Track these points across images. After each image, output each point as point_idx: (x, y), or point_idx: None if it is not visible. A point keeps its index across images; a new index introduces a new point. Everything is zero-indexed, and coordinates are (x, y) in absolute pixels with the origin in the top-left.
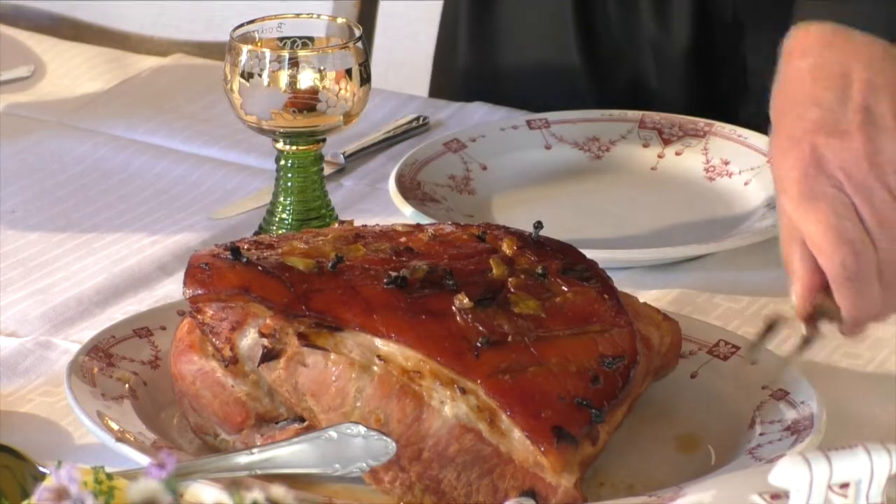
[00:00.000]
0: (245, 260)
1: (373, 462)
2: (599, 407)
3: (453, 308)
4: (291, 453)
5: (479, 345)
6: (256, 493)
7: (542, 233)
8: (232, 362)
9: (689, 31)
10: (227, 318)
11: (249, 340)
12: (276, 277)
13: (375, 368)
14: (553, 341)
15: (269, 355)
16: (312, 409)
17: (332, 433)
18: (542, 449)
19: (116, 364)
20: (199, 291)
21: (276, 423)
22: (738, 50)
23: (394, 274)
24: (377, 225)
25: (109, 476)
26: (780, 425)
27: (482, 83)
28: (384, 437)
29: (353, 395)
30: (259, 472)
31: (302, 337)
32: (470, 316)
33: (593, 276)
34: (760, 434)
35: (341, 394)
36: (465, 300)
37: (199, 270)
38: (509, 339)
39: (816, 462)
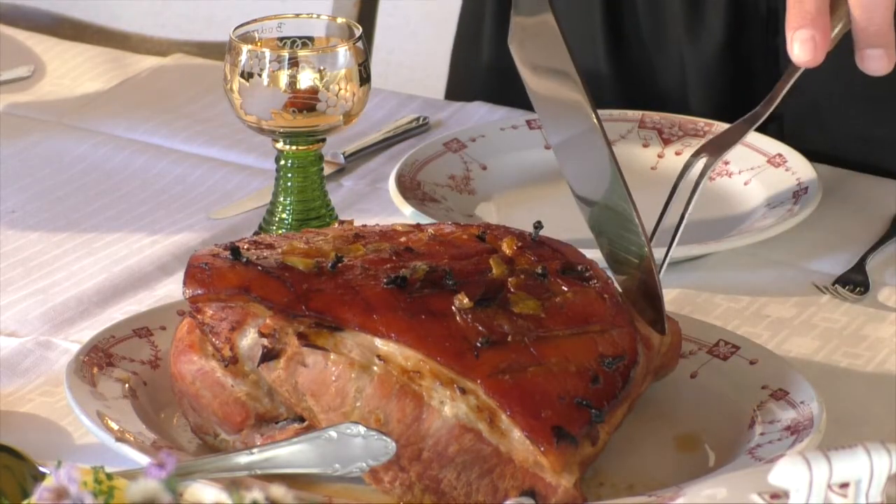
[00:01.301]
0: (245, 260)
1: (373, 462)
2: (599, 407)
3: (453, 308)
4: (291, 453)
5: (478, 345)
6: (256, 493)
7: (542, 233)
8: (232, 362)
9: (721, 29)
10: (227, 318)
11: (249, 340)
12: (275, 277)
13: (375, 368)
14: (553, 341)
15: (269, 355)
16: (312, 409)
17: (332, 433)
18: (542, 449)
19: (116, 364)
20: (199, 291)
21: (276, 423)
22: (773, 46)
23: (394, 274)
24: (377, 225)
25: (109, 476)
26: (780, 425)
27: (506, 84)
28: (384, 437)
29: (352, 395)
30: (259, 472)
31: (302, 337)
32: (470, 316)
33: (593, 276)
34: (760, 434)
35: (341, 394)
36: (465, 300)
37: (198, 270)
38: (509, 339)
39: (816, 462)
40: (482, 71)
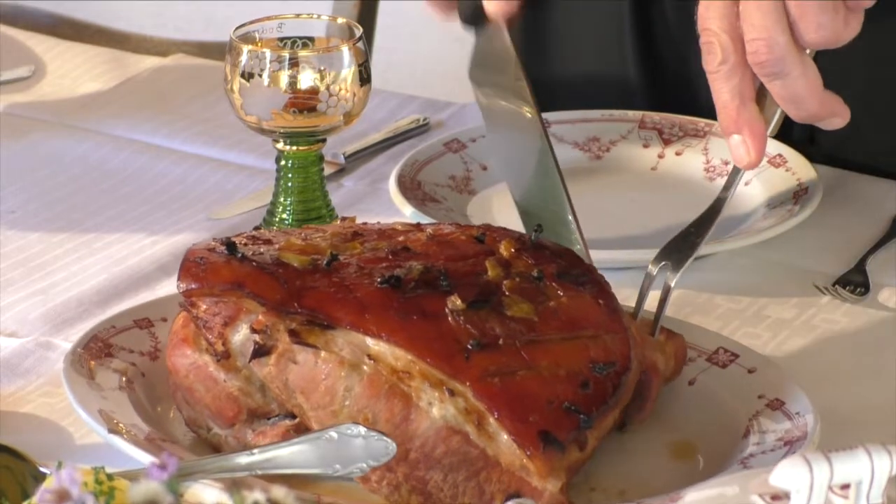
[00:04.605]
0: (240, 255)
1: (373, 462)
2: (588, 413)
3: (446, 309)
4: (292, 454)
5: (469, 347)
6: (257, 494)
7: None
8: (224, 357)
9: None
10: (220, 313)
11: (241, 336)
12: (269, 273)
13: (365, 368)
14: (544, 345)
15: (261, 351)
16: (302, 405)
17: (333, 434)
18: (529, 453)
19: (115, 354)
20: (193, 285)
21: (268, 418)
22: None
23: (388, 273)
24: (377, 223)
25: (110, 476)
26: (774, 435)
27: (540, 90)
28: (384, 438)
29: (341, 394)
30: (259, 472)
31: (293, 334)
32: (462, 318)
33: (590, 280)
34: (754, 444)
35: (330, 392)
36: (458, 302)
37: (193, 265)
38: (500, 342)
39: (817, 463)
40: None
